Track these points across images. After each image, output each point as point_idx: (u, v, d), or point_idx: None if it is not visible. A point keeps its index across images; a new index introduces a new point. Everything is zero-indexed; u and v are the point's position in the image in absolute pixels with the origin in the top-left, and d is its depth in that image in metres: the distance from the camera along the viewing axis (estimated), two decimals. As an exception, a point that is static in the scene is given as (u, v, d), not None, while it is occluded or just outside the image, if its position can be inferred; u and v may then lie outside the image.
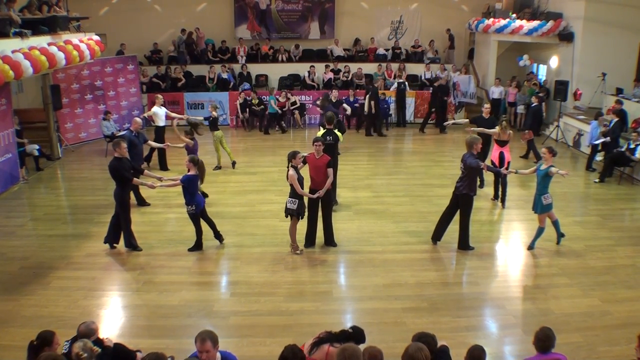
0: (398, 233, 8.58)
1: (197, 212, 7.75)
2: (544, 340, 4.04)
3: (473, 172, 7.63)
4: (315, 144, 7.71)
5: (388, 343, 5.16)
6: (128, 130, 10.25)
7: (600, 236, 8.52)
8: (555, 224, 8.02)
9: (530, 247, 7.95)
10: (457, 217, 7.91)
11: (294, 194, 7.52)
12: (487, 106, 10.82)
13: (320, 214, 7.96)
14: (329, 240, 8.09)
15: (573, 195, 10.60)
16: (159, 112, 11.92)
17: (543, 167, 7.67)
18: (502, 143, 9.72)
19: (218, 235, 8.13)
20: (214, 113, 11.75)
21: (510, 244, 8.44)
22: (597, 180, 11.25)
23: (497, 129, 9.67)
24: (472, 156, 7.59)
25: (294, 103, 16.17)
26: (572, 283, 6.99)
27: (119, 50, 16.30)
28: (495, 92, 15.93)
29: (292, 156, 7.50)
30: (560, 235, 8.10)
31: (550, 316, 6.14)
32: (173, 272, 7.38)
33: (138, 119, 10.25)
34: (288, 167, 7.51)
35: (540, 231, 7.86)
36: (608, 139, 11.65)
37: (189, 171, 7.74)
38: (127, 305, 6.53)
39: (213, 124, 11.71)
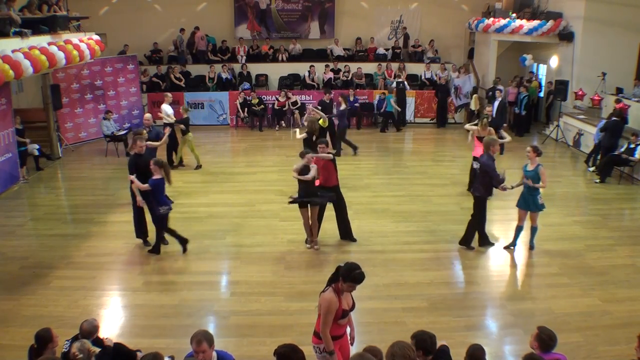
0: (398, 233, 8.58)
1: (169, 212, 7.69)
2: (548, 341, 4.04)
3: (488, 174, 7.53)
4: (320, 146, 7.83)
5: (388, 343, 5.12)
6: (144, 127, 10.28)
7: (600, 236, 8.52)
8: (533, 230, 7.90)
9: (531, 247, 7.95)
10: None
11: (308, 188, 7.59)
12: (488, 109, 10.86)
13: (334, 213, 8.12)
14: (348, 236, 8.22)
15: (573, 195, 10.60)
16: (168, 110, 12.02)
17: (529, 167, 7.56)
18: (482, 140, 9.72)
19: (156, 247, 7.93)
20: (185, 115, 11.74)
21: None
22: (597, 180, 11.25)
23: (477, 126, 9.71)
24: (490, 158, 7.54)
25: (295, 103, 16.17)
26: (572, 283, 6.99)
27: (121, 51, 16.32)
28: None
29: (305, 154, 7.63)
30: (531, 243, 7.98)
31: (550, 316, 6.14)
32: (173, 272, 7.39)
33: (148, 114, 10.38)
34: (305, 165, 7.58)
35: (534, 230, 7.84)
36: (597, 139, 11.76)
37: (154, 175, 7.55)
38: (127, 305, 6.53)
39: (185, 125, 11.69)
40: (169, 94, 12.54)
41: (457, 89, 16.46)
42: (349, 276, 4.25)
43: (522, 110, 15.21)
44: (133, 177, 7.50)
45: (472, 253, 7.88)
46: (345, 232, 8.23)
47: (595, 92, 13.61)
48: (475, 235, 8.01)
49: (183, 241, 7.85)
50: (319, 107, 13.03)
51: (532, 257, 7.78)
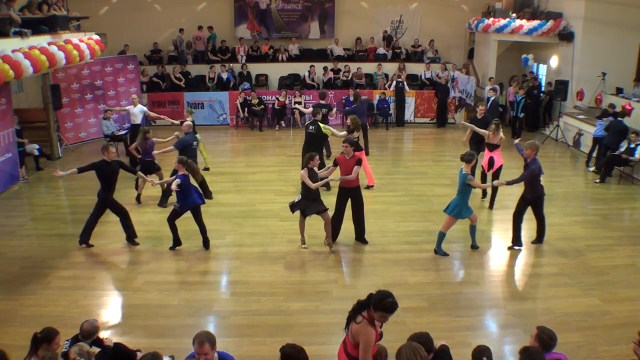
0: (398, 233, 8.58)
1: (182, 211, 7.76)
2: (548, 341, 4.04)
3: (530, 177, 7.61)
4: (344, 144, 7.70)
5: (388, 343, 5.16)
6: (191, 134, 9.83)
7: (600, 236, 8.52)
8: (441, 236, 7.71)
9: (438, 252, 7.74)
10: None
11: (304, 192, 7.57)
12: (481, 107, 10.76)
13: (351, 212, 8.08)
14: (360, 237, 8.16)
15: (573, 195, 10.60)
16: (135, 112, 12.35)
17: (464, 171, 7.38)
18: (491, 147, 9.44)
19: (205, 242, 8.00)
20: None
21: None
22: (597, 180, 11.25)
23: (488, 131, 9.39)
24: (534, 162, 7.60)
25: (299, 102, 16.13)
26: (572, 283, 6.99)
27: (121, 51, 16.32)
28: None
29: (310, 158, 7.55)
30: (439, 250, 7.79)
31: (550, 316, 6.14)
32: (173, 272, 7.39)
33: (188, 122, 10.06)
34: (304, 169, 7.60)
35: (441, 236, 7.68)
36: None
37: (178, 172, 7.69)
38: (127, 305, 6.53)
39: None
40: (135, 96, 12.82)
41: (455, 80, 16.47)
42: (379, 305, 4.02)
43: (519, 112, 14.83)
44: None
45: (471, 253, 7.87)
46: (359, 234, 8.20)
47: (597, 91, 13.59)
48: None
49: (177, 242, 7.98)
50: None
51: (532, 257, 7.78)
